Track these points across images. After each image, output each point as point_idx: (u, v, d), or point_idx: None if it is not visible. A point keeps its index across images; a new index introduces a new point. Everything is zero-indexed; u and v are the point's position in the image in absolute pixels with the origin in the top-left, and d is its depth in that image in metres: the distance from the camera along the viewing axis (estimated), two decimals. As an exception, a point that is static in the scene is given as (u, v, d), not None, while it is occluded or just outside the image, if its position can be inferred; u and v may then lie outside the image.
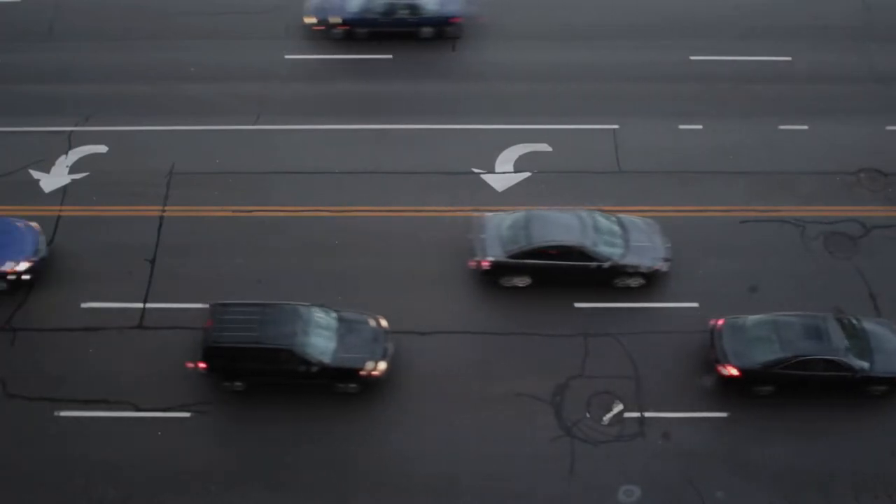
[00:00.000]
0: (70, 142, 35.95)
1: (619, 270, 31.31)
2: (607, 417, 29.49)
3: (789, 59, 38.92)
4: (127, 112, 36.90)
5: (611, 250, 31.25)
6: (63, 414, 29.30)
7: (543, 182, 34.85)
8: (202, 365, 29.10)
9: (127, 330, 31.07)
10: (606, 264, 31.15)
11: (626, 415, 29.50)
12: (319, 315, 29.71)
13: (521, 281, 31.69)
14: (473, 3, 39.96)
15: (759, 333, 29.46)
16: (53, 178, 34.85)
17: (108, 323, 31.21)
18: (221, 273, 32.34)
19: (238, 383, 29.54)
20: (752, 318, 29.93)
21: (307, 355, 28.79)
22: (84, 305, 31.58)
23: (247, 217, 33.83)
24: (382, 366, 29.41)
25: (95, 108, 37.02)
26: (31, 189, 34.54)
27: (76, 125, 36.44)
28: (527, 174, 35.11)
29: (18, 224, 32.28)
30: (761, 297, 31.86)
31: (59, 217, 33.67)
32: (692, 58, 38.96)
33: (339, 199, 34.31)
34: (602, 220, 31.95)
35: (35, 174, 34.98)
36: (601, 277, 31.44)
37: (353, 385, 29.49)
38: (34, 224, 32.48)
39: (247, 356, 28.84)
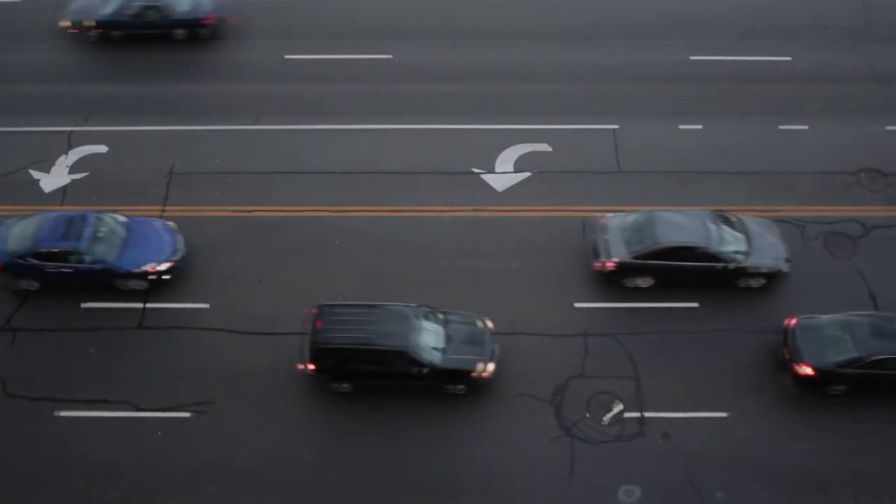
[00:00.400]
0: (70, 142, 35.96)
1: (743, 271, 31.34)
2: (607, 417, 29.48)
3: (789, 59, 38.93)
4: (127, 112, 36.92)
5: (735, 251, 31.28)
6: (63, 414, 29.30)
7: (543, 182, 34.86)
8: (311, 367, 28.99)
9: (127, 330, 31.08)
10: (731, 265, 31.17)
11: (626, 415, 29.49)
12: (428, 315, 29.59)
13: (644, 282, 31.73)
14: (227, 3, 40.13)
15: (833, 333, 29.46)
16: (53, 178, 34.86)
17: (108, 323, 31.22)
18: (221, 273, 32.34)
19: (345, 385, 29.45)
20: (825, 318, 29.93)
21: (420, 356, 28.67)
22: (84, 305, 31.59)
23: (247, 217, 33.82)
24: (491, 367, 29.33)
25: (95, 108, 37.04)
26: (31, 189, 34.55)
27: (76, 125, 36.46)
28: (527, 174, 35.12)
29: (155, 224, 32.50)
30: (761, 296, 31.85)
31: (59, 217, 33.71)
32: (692, 58, 38.97)
33: (339, 199, 34.32)
34: (725, 221, 31.99)
35: (35, 174, 34.99)
36: (724, 278, 31.47)
37: (461, 386, 29.40)
38: (171, 223, 32.66)
39: (358, 357, 28.66)
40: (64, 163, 35.30)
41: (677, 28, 40.20)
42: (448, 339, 29.36)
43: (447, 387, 29.38)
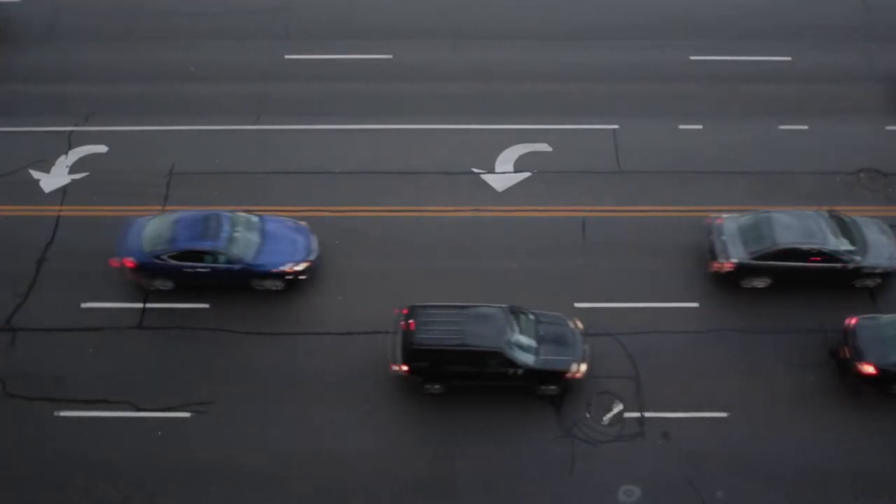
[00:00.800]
0: (70, 142, 35.96)
1: (860, 271, 31.35)
2: (607, 417, 29.49)
3: (789, 59, 38.90)
4: (127, 112, 36.92)
5: (852, 251, 31.30)
6: (63, 414, 29.31)
7: (543, 182, 34.87)
8: (404, 368, 28.90)
9: (127, 330, 31.08)
10: (850, 265, 31.20)
11: (626, 415, 29.51)
12: (519, 316, 29.55)
13: (761, 282, 31.78)
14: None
15: (894, 332, 29.48)
16: (53, 178, 34.86)
17: (108, 323, 31.22)
18: (221, 273, 32.36)
19: (437, 386, 29.41)
20: (885, 318, 29.97)
21: (514, 357, 28.64)
22: (84, 305, 31.59)
23: (247, 217, 33.83)
24: (584, 367, 29.31)
25: (95, 108, 37.04)
26: (31, 189, 34.56)
27: (76, 125, 36.46)
28: (527, 174, 35.12)
29: (287, 223, 32.41)
30: (762, 296, 31.86)
31: (58, 217, 33.70)
32: (692, 58, 38.96)
33: (339, 199, 34.32)
34: (839, 222, 32.00)
35: (35, 174, 34.99)
36: (842, 278, 31.52)
37: (552, 387, 29.39)
38: (303, 223, 32.61)
39: (453, 358, 28.60)
40: (64, 163, 35.31)
41: (677, 28, 40.18)
42: (540, 339, 29.34)
43: (540, 388, 29.38)
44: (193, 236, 30.98)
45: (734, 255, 31.46)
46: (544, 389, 29.44)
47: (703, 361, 30.49)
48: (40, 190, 34.58)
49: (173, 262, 30.89)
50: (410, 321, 29.04)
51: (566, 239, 33.33)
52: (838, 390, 29.85)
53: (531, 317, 29.76)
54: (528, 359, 28.82)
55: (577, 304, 31.63)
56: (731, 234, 31.93)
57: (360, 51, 39.20)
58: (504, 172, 35.18)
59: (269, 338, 30.90)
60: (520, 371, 28.78)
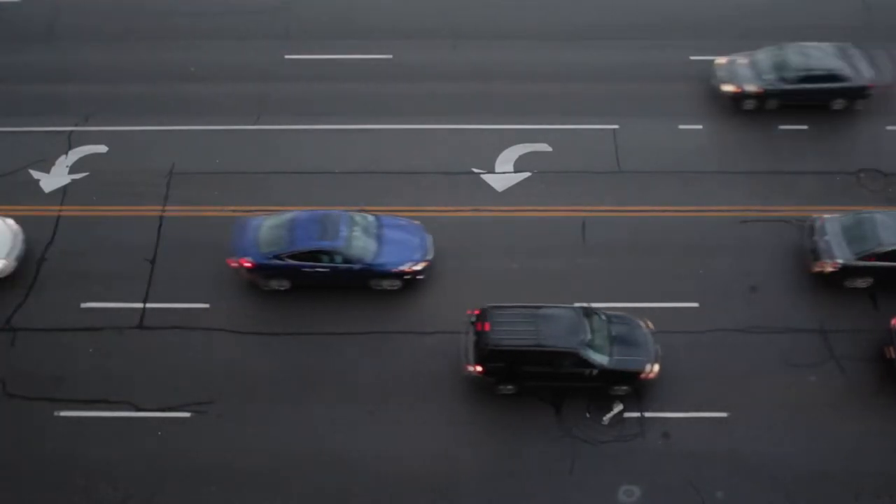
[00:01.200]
0: (70, 142, 35.97)
1: None
2: (607, 417, 29.49)
3: (789, 59, 38.93)
4: (127, 112, 36.93)
5: None
6: (63, 414, 29.31)
7: (543, 182, 34.88)
8: (479, 369, 28.93)
9: (127, 330, 31.08)
10: None
11: (626, 415, 29.51)
12: (592, 317, 29.59)
13: (864, 282, 31.79)
14: None
15: None
16: (53, 178, 34.87)
17: (108, 323, 31.22)
18: (222, 273, 32.33)
19: (510, 387, 29.44)
20: None
21: (589, 357, 28.69)
22: (84, 305, 31.59)
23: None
24: (657, 368, 29.36)
25: (95, 108, 37.05)
26: (31, 189, 34.57)
27: (76, 125, 36.47)
28: (527, 174, 35.13)
29: (401, 222, 32.38)
30: (761, 297, 31.88)
31: (59, 217, 33.71)
32: (692, 58, 38.97)
33: (339, 199, 34.31)
34: None
35: (35, 174, 35.00)
36: None
37: (625, 387, 29.41)
38: (417, 222, 32.62)
39: (528, 359, 28.67)
40: (64, 163, 35.32)
41: (677, 28, 40.21)
42: (612, 340, 29.42)
43: (613, 388, 29.41)
44: (311, 236, 30.93)
45: (839, 256, 31.46)
46: (617, 389, 29.50)
47: (703, 361, 30.49)
48: (40, 190, 34.59)
49: (292, 262, 30.85)
50: (485, 322, 29.09)
51: (566, 239, 33.35)
52: (838, 390, 29.84)
53: (603, 317, 29.85)
54: (602, 359, 28.90)
55: (576, 305, 31.60)
56: (835, 234, 31.91)
57: (360, 51, 39.23)
58: (504, 172, 35.19)
59: (269, 338, 30.90)
60: (595, 371, 28.87)
